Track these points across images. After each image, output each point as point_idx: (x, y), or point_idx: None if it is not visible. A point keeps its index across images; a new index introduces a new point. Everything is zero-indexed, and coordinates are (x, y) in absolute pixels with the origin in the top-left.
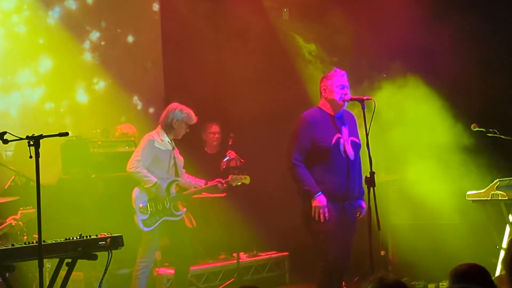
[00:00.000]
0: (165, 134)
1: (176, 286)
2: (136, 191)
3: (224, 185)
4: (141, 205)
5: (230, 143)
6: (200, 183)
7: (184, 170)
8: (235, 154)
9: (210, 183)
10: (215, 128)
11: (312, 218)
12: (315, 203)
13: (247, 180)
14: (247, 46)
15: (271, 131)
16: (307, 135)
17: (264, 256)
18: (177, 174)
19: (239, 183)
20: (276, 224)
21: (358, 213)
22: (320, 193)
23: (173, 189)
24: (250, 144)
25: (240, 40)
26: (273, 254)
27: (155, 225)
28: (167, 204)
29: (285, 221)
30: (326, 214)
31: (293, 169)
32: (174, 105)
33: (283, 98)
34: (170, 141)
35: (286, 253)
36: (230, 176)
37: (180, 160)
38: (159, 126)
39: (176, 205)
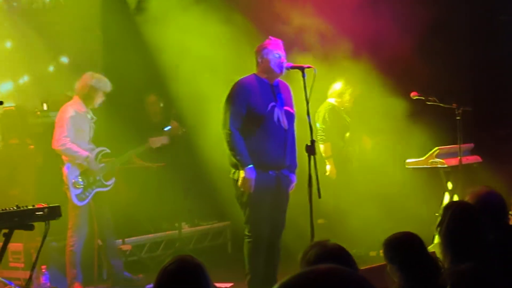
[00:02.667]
0: (83, 104)
1: (107, 257)
2: (67, 166)
3: (146, 147)
4: (73, 180)
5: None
6: None
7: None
8: (176, 124)
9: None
10: (152, 98)
11: (239, 189)
12: (244, 175)
13: (166, 140)
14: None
15: (213, 100)
16: (242, 100)
17: (205, 226)
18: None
19: (159, 145)
20: (217, 194)
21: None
22: (251, 165)
23: (99, 159)
24: (191, 115)
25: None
26: (215, 224)
27: (89, 198)
28: (97, 175)
29: (226, 190)
30: (252, 188)
31: (229, 137)
32: (89, 74)
33: (225, 69)
34: (88, 111)
35: (227, 223)
36: (149, 139)
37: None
38: (76, 97)
39: (106, 175)
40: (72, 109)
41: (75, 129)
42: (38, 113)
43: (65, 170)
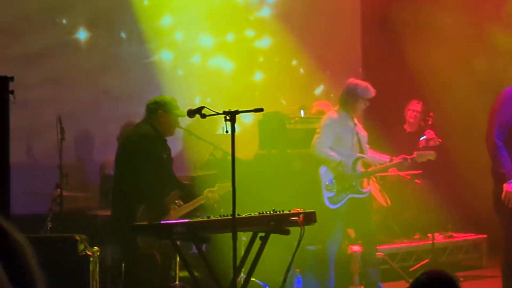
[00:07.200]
0: (345, 112)
1: (364, 265)
2: (322, 169)
3: (409, 161)
4: (327, 182)
5: (429, 122)
6: (385, 159)
7: (368, 146)
8: (433, 134)
9: (395, 160)
10: (415, 105)
11: (502, 202)
12: (507, 188)
13: (432, 156)
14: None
15: (473, 109)
16: (508, 111)
17: (460, 238)
18: (361, 151)
19: (425, 160)
20: (473, 205)
21: None
22: None
23: (358, 166)
24: (449, 124)
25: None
26: (470, 236)
27: (342, 203)
28: (353, 181)
29: (482, 202)
30: None
31: (493, 148)
32: (350, 80)
33: (487, 71)
34: (350, 118)
35: (484, 236)
36: (415, 153)
37: (364, 135)
38: (338, 105)
39: (362, 182)
40: (330, 116)
41: (334, 136)
42: (296, 119)
43: (320, 172)
